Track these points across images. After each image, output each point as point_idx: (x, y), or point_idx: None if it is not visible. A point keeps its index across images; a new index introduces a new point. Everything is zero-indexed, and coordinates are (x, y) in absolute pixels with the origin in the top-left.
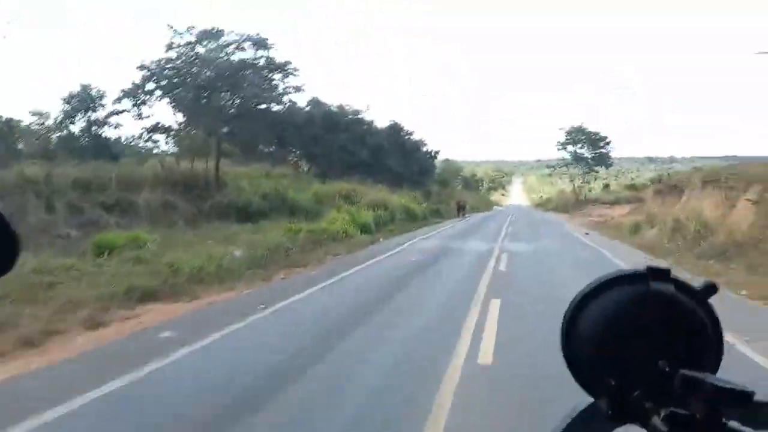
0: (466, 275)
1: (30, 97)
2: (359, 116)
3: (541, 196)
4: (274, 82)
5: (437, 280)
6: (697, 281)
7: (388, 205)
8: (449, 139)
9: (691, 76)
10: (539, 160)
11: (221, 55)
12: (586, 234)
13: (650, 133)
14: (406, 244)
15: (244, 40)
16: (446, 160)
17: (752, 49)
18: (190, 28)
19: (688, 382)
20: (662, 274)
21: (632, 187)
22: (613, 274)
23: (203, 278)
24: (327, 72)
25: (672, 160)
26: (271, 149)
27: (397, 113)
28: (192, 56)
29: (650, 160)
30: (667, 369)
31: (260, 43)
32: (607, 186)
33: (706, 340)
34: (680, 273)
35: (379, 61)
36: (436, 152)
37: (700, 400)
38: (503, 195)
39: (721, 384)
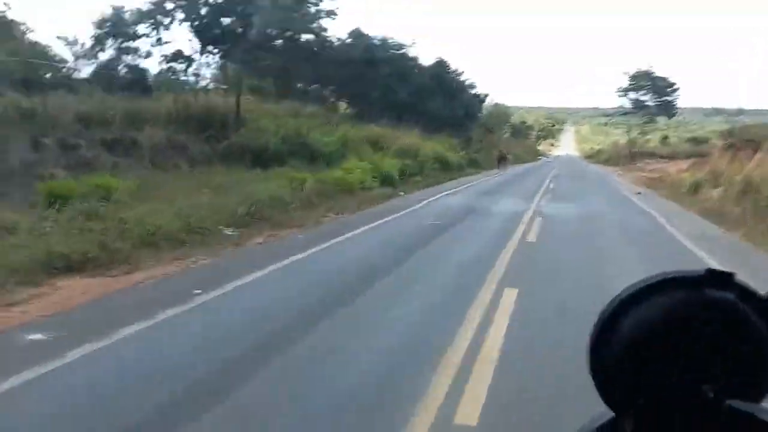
0: (483, 249)
1: (60, 22)
2: (402, 51)
3: (593, 147)
4: (306, 5)
5: (443, 258)
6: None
7: (420, 153)
8: (502, 83)
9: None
10: (597, 108)
11: None
12: (639, 194)
13: (717, 81)
14: (425, 201)
15: None
16: (496, 105)
17: None
18: None
19: (737, 415)
20: (723, 279)
21: (694, 140)
22: (661, 276)
23: (157, 242)
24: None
25: (740, 111)
26: (308, 86)
27: (445, 52)
28: None
29: (717, 111)
30: (711, 395)
31: None
32: (665, 138)
33: (766, 366)
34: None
35: None
36: (485, 95)
37: None
38: (553, 145)
39: None
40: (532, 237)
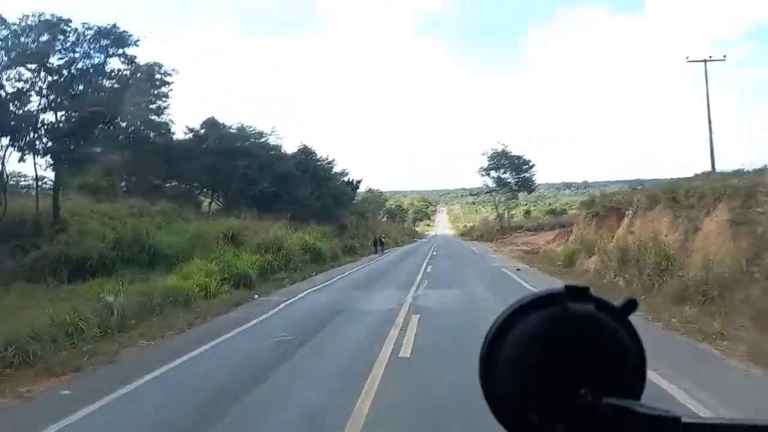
0: (338, 385)
1: None
2: (262, 140)
3: (465, 225)
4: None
5: (276, 409)
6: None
7: (283, 245)
8: (376, 171)
9: (598, 99)
10: (463, 188)
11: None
12: (518, 270)
13: (565, 158)
14: (283, 305)
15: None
16: (370, 190)
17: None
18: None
19: (614, 411)
20: (581, 294)
21: (552, 212)
22: (529, 298)
23: None
24: (226, 91)
25: (586, 185)
26: (164, 182)
27: (313, 141)
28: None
29: (566, 185)
30: (590, 398)
31: (117, 39)
32: (528, 212)
33: (629, 363)
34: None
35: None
36: (358, 181)
37: (629, 430)
38: (429, 225)
39: (648, 411)
40: (406, 349)
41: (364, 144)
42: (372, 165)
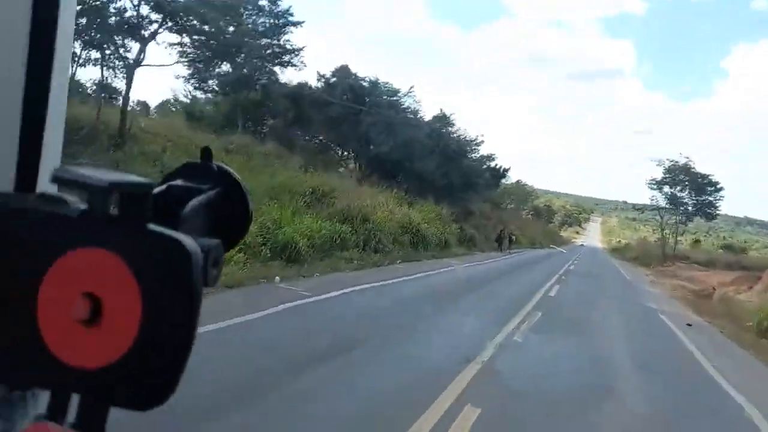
0: None
1: None
2: (395, 98)
3: (620, 241)
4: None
5: None
6: None
7: (372, 217)
8: (533, 165)
9: None
10: (625, 202)
11: None
12: (689, 326)
13: (753, 188)
14: (282, 307)
15: None
16: (518, 182)
17: None
18: None
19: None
20: None
21: (730, 248)
22: None
23: None
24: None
25: None
26: (285, 126)
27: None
28: None
29: (749, 221)
30: None
31: None
32: (697, 242)
33: None
34: None
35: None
36: (506, 170)
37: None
38: (578, 233)
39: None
40: None
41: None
42: (530, 161)
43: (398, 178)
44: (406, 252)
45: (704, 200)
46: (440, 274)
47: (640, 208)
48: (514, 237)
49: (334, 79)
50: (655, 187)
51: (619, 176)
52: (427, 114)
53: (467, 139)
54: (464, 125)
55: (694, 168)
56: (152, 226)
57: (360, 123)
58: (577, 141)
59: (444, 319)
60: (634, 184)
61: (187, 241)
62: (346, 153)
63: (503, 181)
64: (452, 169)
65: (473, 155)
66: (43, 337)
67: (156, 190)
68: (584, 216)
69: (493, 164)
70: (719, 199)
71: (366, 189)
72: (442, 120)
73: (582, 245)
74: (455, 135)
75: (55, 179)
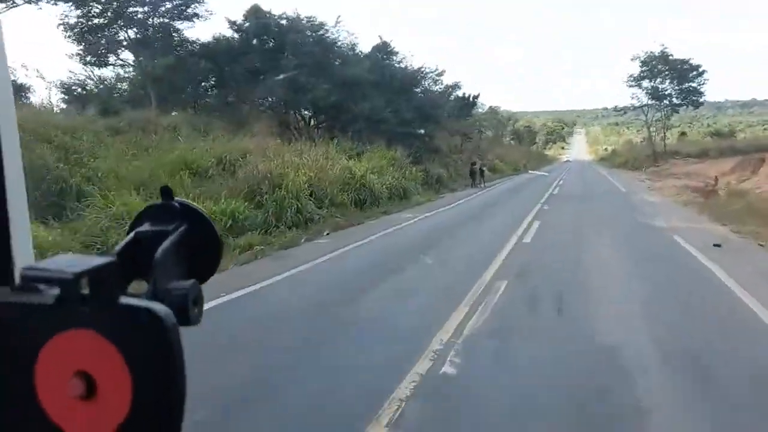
0: None
1: None
2: (321, 32)
3: (605, 149)
4: None
5: None
6: None
7: (283, 182)
8: (502, 91)
9: None
10: (605, 108)
11: None
12: (717, 246)
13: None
14: None
15: None
16: (490, 108)
17: None
18: None
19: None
20: None
21: (718, 134)
22: None
23: None
24: None
25: (755, 103)
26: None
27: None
28: None
29: (731, 104)
30: None
31: None
32: (683, 134)
33: None
34: None
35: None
36: (475, 97)
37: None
38: (563, 148)
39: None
40: None
41: (492, 63)
42: (500, 85)
43: (344, 126)
44: (348, 215)
45: (688, 87)
46: (371, 244)
47: (621, 111)
48: (484, 169)
49: (246, 23)
50: (634, 83)
51: (598, 82)
52: (367, 46)
53: (417, 68)
54: (424, 58)
55: (671, 55)
56: (123, 300)
57: (285, 69)
58: (551, 53)
59: (459, 240)
60: (614, 88)
61: (157, 307)
62: (274, 108)
63: (475, 110)
64: (402, 103)
65: (429, 84)
66: (50, 416)
67: (123, 243)
68: (567, 130)
69: (459, 93)
70: (703, 84)
71: (295, 146)
72: (382, 49)
73: (568, 161)
74: (400, 64)
75: (24, 278)
